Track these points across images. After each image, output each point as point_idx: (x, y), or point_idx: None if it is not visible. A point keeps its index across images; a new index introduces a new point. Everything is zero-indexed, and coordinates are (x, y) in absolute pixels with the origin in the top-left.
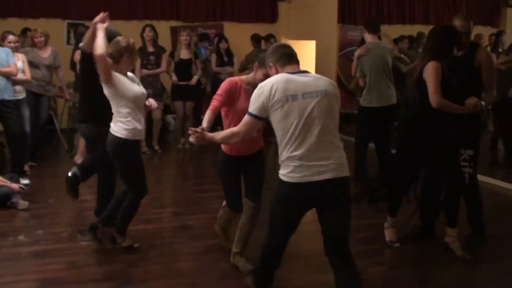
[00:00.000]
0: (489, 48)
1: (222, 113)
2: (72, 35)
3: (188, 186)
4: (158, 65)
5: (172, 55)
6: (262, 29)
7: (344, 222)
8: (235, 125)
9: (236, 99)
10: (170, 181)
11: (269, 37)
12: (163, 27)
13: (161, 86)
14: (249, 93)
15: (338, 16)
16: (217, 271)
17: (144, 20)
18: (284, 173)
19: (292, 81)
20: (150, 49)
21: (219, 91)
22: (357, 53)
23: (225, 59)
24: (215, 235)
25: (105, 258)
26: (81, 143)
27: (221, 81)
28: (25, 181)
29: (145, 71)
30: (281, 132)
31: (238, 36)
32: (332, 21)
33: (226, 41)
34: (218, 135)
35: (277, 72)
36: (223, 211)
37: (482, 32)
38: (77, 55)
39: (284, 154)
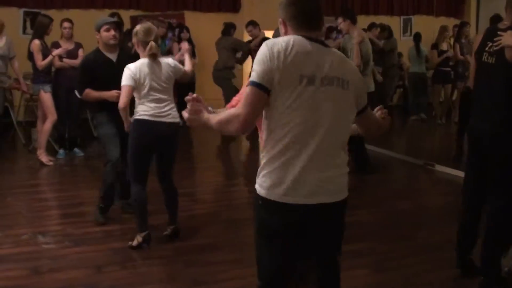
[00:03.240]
0: (452, 40)
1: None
2: (28, 24)
3: (153, 183)
4: None
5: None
6: (224, 18)
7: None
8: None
9: None
10: None
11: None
12: (123, 17)
13: None
14: None
15: None
16: (188, 275)
17: (103, 9)
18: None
19: (312, 54)
20: None
21: (243, 89)
22: (357, 40)
23: None
24: (187, 235)
25: (69, 263)
26: (41, 137)
27: None
28: None
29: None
30: (275, 124)
31: (200, 25)
32: None
33: (188, 31)
34: (214, 118)
35: (285, 34)
36: None
37: (446, 23)
38: (34, 45)
39: (267, 158)
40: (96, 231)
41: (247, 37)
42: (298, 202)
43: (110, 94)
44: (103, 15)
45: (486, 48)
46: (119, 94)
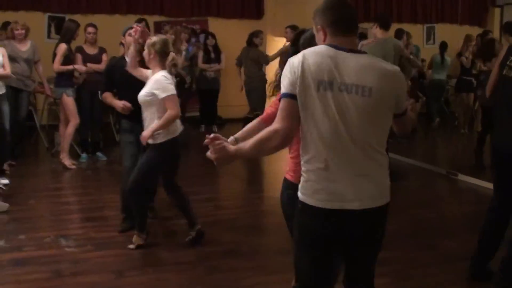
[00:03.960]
0: (475, 48)
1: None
2: (53, 29)
3: None
4: None
5: None
6: (247, 25)
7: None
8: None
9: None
10: None
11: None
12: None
13: None
14: None
15: None
16: (210, 282)
17: (127, 14)
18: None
19: (333, 60)
20: None
21: (278, 96)
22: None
23: (212, 55)
24: (208, 241)
25: (91, 267)
26: (64, 141)
27: (207, 78)
28: (4, 181)
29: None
30: (305, 130)
31: (223, 32)
32: None
33: (214, 37)
34: (246, 144)
35: (324, 41)
36: None
37: (470, 32)
38: (60, 49)
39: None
40: (117, 236)
41: (270, 42)
42: (338, 207)
43: (117, 103)
44: (127, 20)
45: (508, 62)
46: (125, 105)
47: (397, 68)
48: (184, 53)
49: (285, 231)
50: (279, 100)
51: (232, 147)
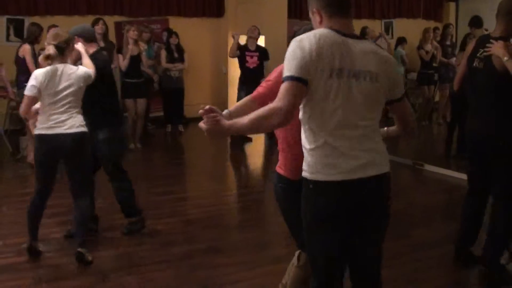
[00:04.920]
0: (435, 42)
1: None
2: (12, 32)
3: (147, 188)
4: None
5: (120, 51)
6: (208, 23)
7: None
8: (297, 131)
9: None
10: None
11: None
12: (107, 22)
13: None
14: None
15: None
16: (196, 279)
17: (87, 15)
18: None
19: (342, 47)
20: (101, 44)
21: (268, 77)
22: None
23: (176, 55)
24: (187, 239)
25: (73, 271)
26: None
27: (172, 78)
28: None
29: None
30: (315, 115)
31: (184, 31)
32: (282, 16)
33: (177, 36)
34: (243, 119)
35: (320, 23)
36: (296, 268)
37: (426, 26)
38: (25, 50)
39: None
40: (97, 238)
41: (231, 40)
42: (350, 177)
43: None
44: (87, 21)
45: (478, 54)
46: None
47: (390, 54)
48: (144, 53)
49: (261, 226)
50: (282, 82)
51: (226, 122)
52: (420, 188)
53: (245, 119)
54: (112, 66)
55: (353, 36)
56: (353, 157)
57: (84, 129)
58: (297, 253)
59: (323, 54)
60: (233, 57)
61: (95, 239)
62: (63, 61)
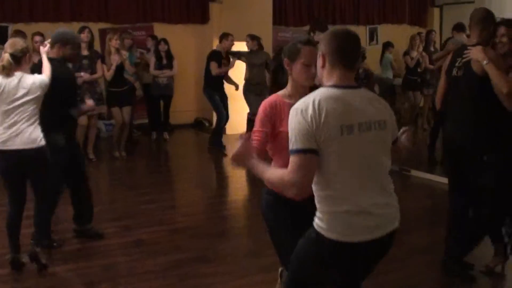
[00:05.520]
0: (421, 49)
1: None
2: None
3: (133, 197)
4: (92, 69)
5: (103, 60)
6: (193, 30)
7: None
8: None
9: (278, 121)
10: (112, 191)
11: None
12: (92, 29)
13: (100, 91)
14: None
15: None
16: None
17: (72, 22)
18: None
19: (344, 102)
20: (84, 52)
21: (256, 125)
22: None
23: (164, 61)
24: (175, 248)
25: (60, 282)
26: None
27: (160, 84)
28: None
29: (80, 79)
30: (327, 176)
31: (169, 37)
32: (267, 22)
33: (166, 42)
34: (266, 172)
35: (323, 68)
36: (279, 285)
37: (411, 32)
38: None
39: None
40: (83, 248)
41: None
42: (377, 236)
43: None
44: (72, 28)
45: (456, 64)
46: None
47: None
48: (128, 60)
49: (250, 234)
50: (291, 153)
51: (253, 159)
52: (408, 194)
53: (267, 173)
54: (96, 76)
55: (351, 87)
56: (373, 212)
57: (43, 143)
58: (280, 269)
59: (329, 117)
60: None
61: (81, 248)
62: (20, 69)
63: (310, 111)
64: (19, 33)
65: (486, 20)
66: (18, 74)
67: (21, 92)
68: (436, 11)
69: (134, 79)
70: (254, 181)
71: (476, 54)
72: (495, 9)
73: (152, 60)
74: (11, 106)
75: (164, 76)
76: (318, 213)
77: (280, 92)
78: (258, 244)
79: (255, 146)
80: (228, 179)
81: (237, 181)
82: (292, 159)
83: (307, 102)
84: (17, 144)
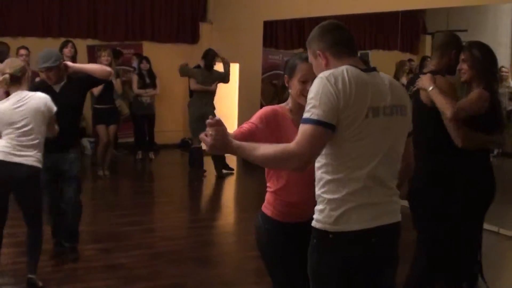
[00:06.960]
0: (410, 74)
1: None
2: None
3: (114, 218)
4: None
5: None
6: (182, 49)
7: None
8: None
9: (281, 133)
10: (92, 212)
11: None
12: (80, 46)
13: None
14: (298, 125)
15: None
16: None
17: (60, 37)
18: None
19: (371, 84)
20: None
21: (252, 119)
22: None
23: (147, 80)
24: (154, 274)
25: None
26: None
27: (143, 104)
28: None
29: None
30: (341, 159)
31: (158, 56)
32: (257, 44)
33: (148, 61)
34: (256, 149)
35: (327, 65)
36: None
37: (402, 58)
38: None
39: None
40: (60, 269)
41: None
42: (382, 223)
43: None
44: (60, 43)
45: (408, 92)
46: None
47: None
48: (118, 79)
49: (230, 262)
50: (304, 123)
51: (234, 141)
52: None
53: (258, 150)
54: None
55: (371, 69)
56: (381, 201)
57: (39, 165)
58: None
59: (358, 95)
60: None
61: (59, 270)
62: (21, 89)
63: (340, 85)
64: (2, 44)
65: (447, 46)
66: (19, 93)
67: (22, 111)
68: (428, 38)
69: (121, 99)
70: (240, 206)
71: (423, 82)
72: (489, 36)
73: (134, 78)
74: (14, 125)
75: (147, 95)
76: (319, 206)
77: (283, 105)
78: (237, 273)
79: (234, 133)
80: (213, 203)
81: (223, 205)
82: (306, 128)
83: (337, 75)
84: (17, 158)
